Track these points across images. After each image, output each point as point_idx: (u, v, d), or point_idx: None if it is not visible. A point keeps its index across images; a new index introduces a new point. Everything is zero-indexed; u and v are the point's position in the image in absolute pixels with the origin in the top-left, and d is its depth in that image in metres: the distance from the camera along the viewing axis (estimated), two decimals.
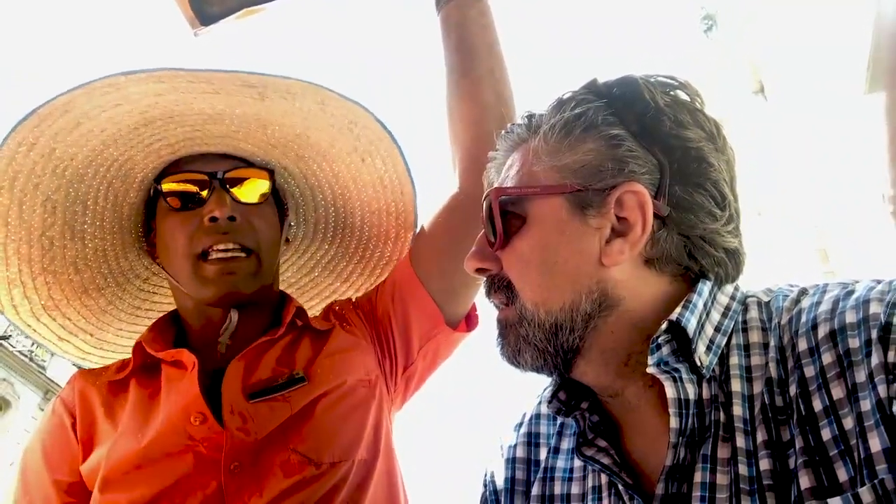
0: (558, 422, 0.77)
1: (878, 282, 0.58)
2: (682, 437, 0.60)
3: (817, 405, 0.55)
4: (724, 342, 0.63)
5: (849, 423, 0.52)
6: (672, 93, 0.69)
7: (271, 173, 1.04)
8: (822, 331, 0.57)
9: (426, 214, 1.12)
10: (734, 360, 0.62)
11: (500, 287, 0.69)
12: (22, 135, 0.93)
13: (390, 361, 1.06)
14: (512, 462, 0.77)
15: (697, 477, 0.58)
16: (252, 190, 1.01)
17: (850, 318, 0.56)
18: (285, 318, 1.03)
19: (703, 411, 0.61)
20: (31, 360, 15.13)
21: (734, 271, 0.68)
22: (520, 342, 0.67)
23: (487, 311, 0.77)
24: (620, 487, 0.64)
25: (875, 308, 0.55)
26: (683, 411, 0.60)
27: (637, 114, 0.67)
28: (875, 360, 0.52)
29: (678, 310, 0.62)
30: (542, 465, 0.74)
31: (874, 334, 0.53)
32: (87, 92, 0.91)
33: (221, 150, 1.03)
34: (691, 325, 0.61)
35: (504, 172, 0.73)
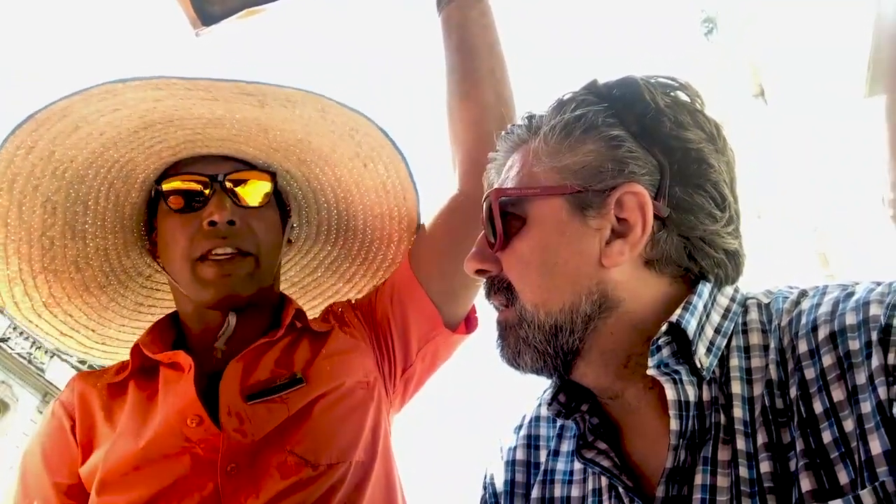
0: (558, 424, 0.76)
1: (878, 283, 0.58)
2: (682, 439, 0.60)
3: (818, 407, 0.55)
4: (724, 344, 0.63)
5: (849, 425, 0.52)
6: (672, 94, 0.69)
7: (273, 176, 1.04)
8: (823, 333, 0.57)
9: (426, 216, 1.12)
10: (734, 361, 0.62)
11: (500, 288, 0.69)
12: (20, 138, 0.93)
13: (389, 363, 1.05)
14: (511, 464, 0.77)
15: (698, 479, 0.58)
16: (254, 192, 1.01)
17: (850, 319, 0.56)
18: (284, 319, 1.03)
19: (704, 413, 0.61)
20: (29, 362, 15.13)
21: (734, 273, 0.68)
22: (520, 344, 0.67)
23: (487, 312, 0.77)
24: (621, 490, 0.64)
25: (875, 310, 0.55)
26: (684, 413, 0.60)
27: (637, 115, 0.67)
28: (875, 362, 0.52)
29: (678, 311, 0.62)
30: (542, 467, 0.74)
31: (874, 336, 0.53)
32: (84, 98, 0.92)
33: (223, 153, 1.03)
34: (691, 326, 0.61)
35: (504, 173, 0.72)
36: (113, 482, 0.87)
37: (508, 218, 0.68)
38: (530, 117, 0.72)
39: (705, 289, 0.65)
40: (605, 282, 0.64)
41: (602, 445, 0.67)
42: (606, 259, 0.64)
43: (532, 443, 0.77)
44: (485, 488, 0.79)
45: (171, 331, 1.05)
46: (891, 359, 0.52)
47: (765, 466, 0.56)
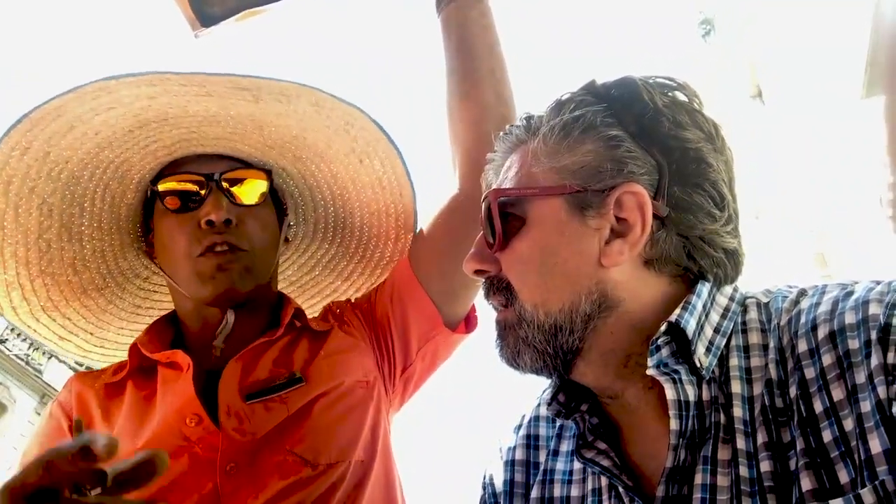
0: (557, 424, 0.76)
1: (878, 283, 0.58)
2: (682, 438, 0.60)
3: (818, 406, 0.55)
4: (723, 343, 0.63)
5: (849, 424, 0.52)
6: (671, 94, 0.69)
7: (269, 174, 1.04)
8: (822, 332, 0.57)
9: (426, 216, 1.12)
10: (734, 361, 0.62)
11: (499, 288, 0.69)
12: (14, 139, 0.93)
13: (389, 363, 1.05)
14: (511, 464, 0.76)
15: (698, 479, 0.58)
16: (250, 191, 1.01)
17: (850, 319, 0.56)
18: (283, 318, 1.02)
19: (703, 413, 0.60)
20: (27, 363, 15.10)
21: (733, 272, 0.68)
22: (519, 344, 0.67)
23: (487, 312, 0.77)
24: (621, 490, 0.64)
25: (874, 309, 0.55)
26: (683, 413, 0.60)
27: (636, 115, 0.67)
28: (874, 361, 0.52)
29: (677, 311, 0.62)
30: (542, 467, 0.74)
31: (874, 335, 0.53)
32: (78, 96, 0.91)
33: (218, 151, 1.03)
34: (690, 326, 0.61)
35: (503, 174, 0.72)
36: None
37: (507, 218, 0.68)
38: (529, 118, 0.72)
39: (704, 288, 0.65)
40: (604, 281, 0.64)
41: (602, 445, 0.67)
42: (606, 259, 0.64)
43: (531, 442, 0.77)
44: (484, 488, 0.79)
45: (169, 330, 1.05)
46: (890, 358, 0.52)
47: (765, 466, 0.56)
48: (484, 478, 0.80)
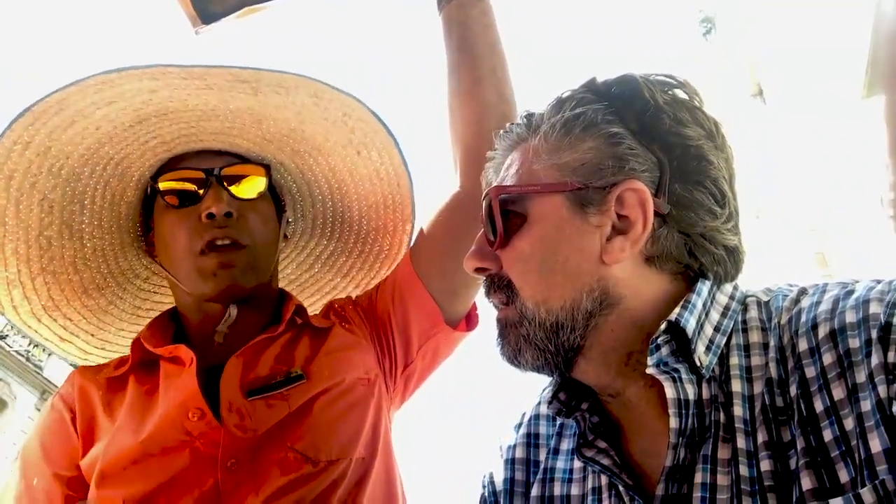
0: (558, 422, 0.76)
1: (878, 282, 0.58)
2: (681, 437, 0.60)
3: (818, 406, 0.55)
4: (723, 342, 0.63)
5: (849, 423, 0.52)
6: (671, 91, 0.69)
7: (268, 169, 1.04)
8: (823, 331, 0.57)
9: (427, 213, 1.12)
10: (734, 360, 0.62)
11: (500, 286, 0.69)
12: (17, 133, 0.93)
13: (390, 360, 1.05)
14: (511, 462, 0.76)
15: (698, 477, 0.58)
16: (249, 186, 1.01)
17: (850, 317, 0.56)
18: (285, 315, 1.02)
19: (703, 412, 0.60)
20: (27, 359, 15.10)
21: (734, 270, 0.68)
22: (520, 342, 0.67)
23: (487, 310, 0.77)
24: (621, 488, 0.64)
25: (875, 308, 0.55)
26: (683, 411, 0.60)
27: (636, 112, 0.67)
28: (875, 360, 0.52)
29: (677, 310, 0.62)
30: (542, 465, 0.74)
31: (874, 334, 0.53)
32: (80, 89, 0.91)
33: (217, 147, 1.03)
34: (690, 325, 0.61)
35: (503, 171, 0.72)
36: (112, 475, 0.87)
37: (508, 216, 0.68)
38: (529, 116, 0.72)
39: (704, 287, 0.65)
40: (605, 279, 0.64)
41: (602, 444, 0.67)
42: (607, 256, 0.64)
43: (532, 441, 0.77)
44: (484, 486, 0.79)
45: (170, 325, 1.05)
46: (891, 357, 0.52)
47: (765, 465, 0.56)
48: (484, 476, 0.80)
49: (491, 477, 0.79)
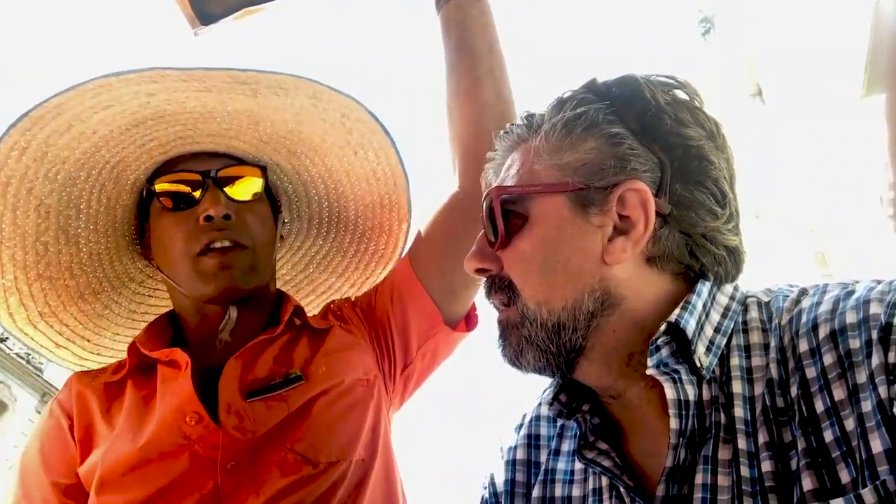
0: (559, 424, 0.76)
1: (879, 282, 0.58)
2: (682, 438, 0.60)
3: (819, 406, 0.54)
4: (723, 343, 0.63)
5: (850, 424, 0.52)
6: (672, 92, 0.69)
7: (264, 170, 1.04)
8: (823, 331, 0.57)
9: (426, 214, 1.11)
10: (735, 360, 0.62)
11: (501, 287, 0.69)
12: (14, 138, 0.93)
13: (389, 361, 1.05)
14: (512, 464, 0.76)
15: (698, 478, 0.58)
16: (245, 188, 1.01)
17: (851, 318, 0.55)
18: (283, 316, 1.02)
19: (704, 412, 0.60)
20: (28, 362, 15.09)
21: (734, 270, 0.68)
22: (522, 343, 0.67)
23: (487, 310, 0.77)
24: (622, 489, 0.63)
25: (875, 308, 0.54)
26: (683, 412, 0.60)
27: (637, 112, 0.67)
28: (875, 360, 0.52)
29: (677, 311, 0.62)
30: (543, 467, 0.74)
31: (874, 335, 0.53)
32: (78, 94, 0.91)
33: (213, 149, 1.03)
34: (690, 326, 0.61)
35: (504, 172, 0.72)
36: (111, 482, 0.86)
37: (509, 216, 0.68)
38: (529, 116, 0.72)
39: (704, 288, 0.65)
40: (607, 279, 0.64)
41: (603, 445, 0.67)
42: (609, 256, 0.64)
43: (532, 442, 0.77)
44: (485, 488, 0.79)
45: (168, 329, 1.05)
46: (891, 357, 0.51)
47: (766, 465, 0.55)
48: (484, 477, 0.80)
49: (492, 478, 0.79)
